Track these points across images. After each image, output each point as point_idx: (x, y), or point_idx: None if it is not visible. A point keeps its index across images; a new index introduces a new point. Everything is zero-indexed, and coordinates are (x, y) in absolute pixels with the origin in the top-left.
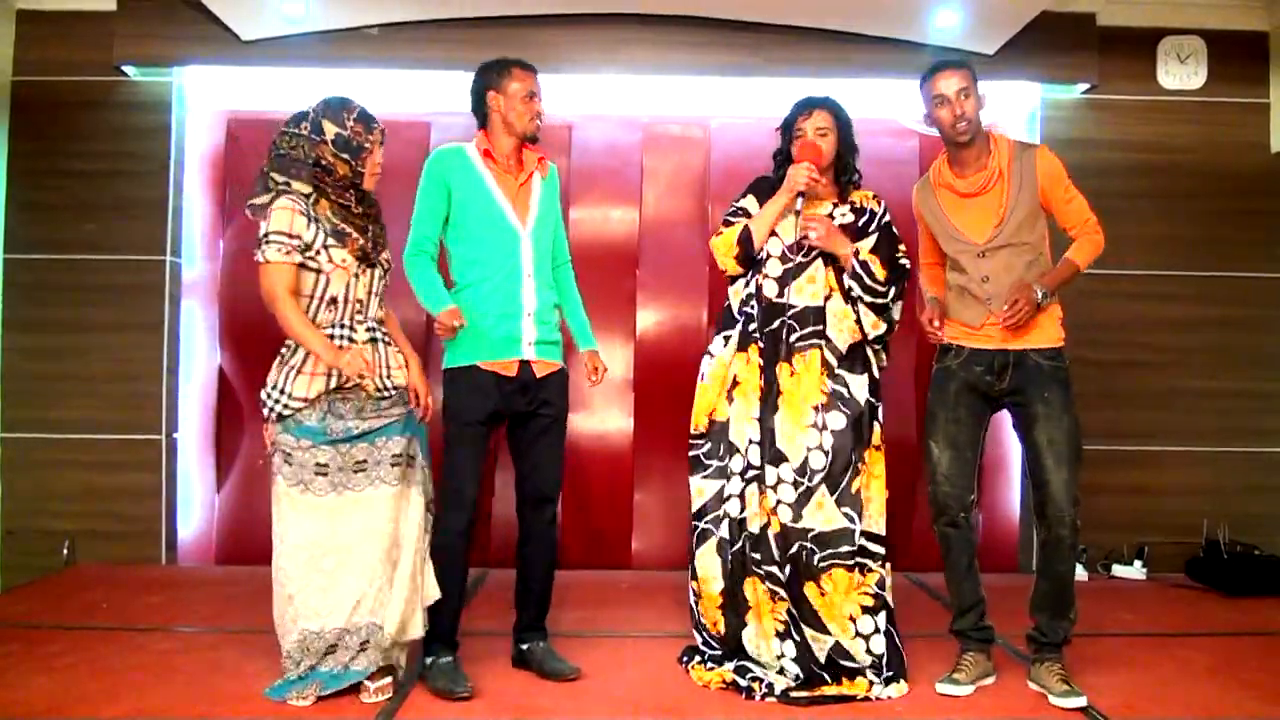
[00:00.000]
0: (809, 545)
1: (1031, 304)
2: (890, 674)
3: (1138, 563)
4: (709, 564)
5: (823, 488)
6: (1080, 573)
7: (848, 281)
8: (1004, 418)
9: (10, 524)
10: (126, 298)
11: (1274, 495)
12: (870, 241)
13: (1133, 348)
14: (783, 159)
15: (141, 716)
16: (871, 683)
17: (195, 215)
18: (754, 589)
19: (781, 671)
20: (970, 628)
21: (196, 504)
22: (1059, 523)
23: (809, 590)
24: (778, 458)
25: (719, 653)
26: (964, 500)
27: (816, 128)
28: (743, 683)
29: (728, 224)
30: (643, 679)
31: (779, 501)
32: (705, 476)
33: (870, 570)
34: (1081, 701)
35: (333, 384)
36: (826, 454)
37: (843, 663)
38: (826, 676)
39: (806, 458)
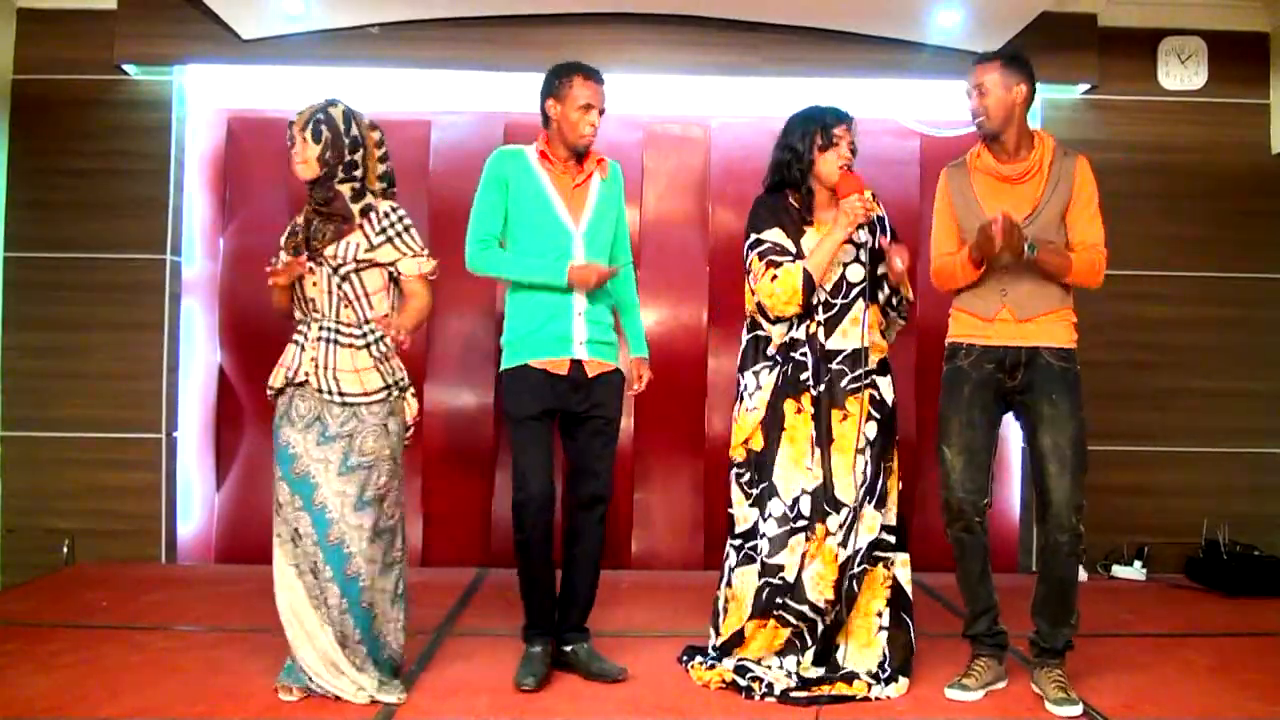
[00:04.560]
0: (857, 570)
1: (1015, 240)
2: (889, 673)
3: (1138, 563)
4: (747, 585)
5: (866, 501)
6: (1080, 573)
7: (884, 298)
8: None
9: (10, 522)
10: (127, 296)
11: (1274, 495)
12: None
13: (1133, 348)
14: (806, 164)
15: (142, 715)
16: (870, 684)
17: (195, 214)
18: (762, 626)
19: (778, 670)
20: (984, 632)
21: (196, 503)
22: (1058, 529)
23: (850, 617)
24: (838, 504)
25: (718, 655)
26: (978, 505)
27: (850, 144)
28: (742, 682)
29: (773, 264)
30: (642, 679)
31: (839, 545)
32: (750, 505)
33: (891, 563)
34: (1076, 710)
35: (285, 376)
36: (865, 470)
37: (837, 672)
38: (825, 680)
39: (856, 483)
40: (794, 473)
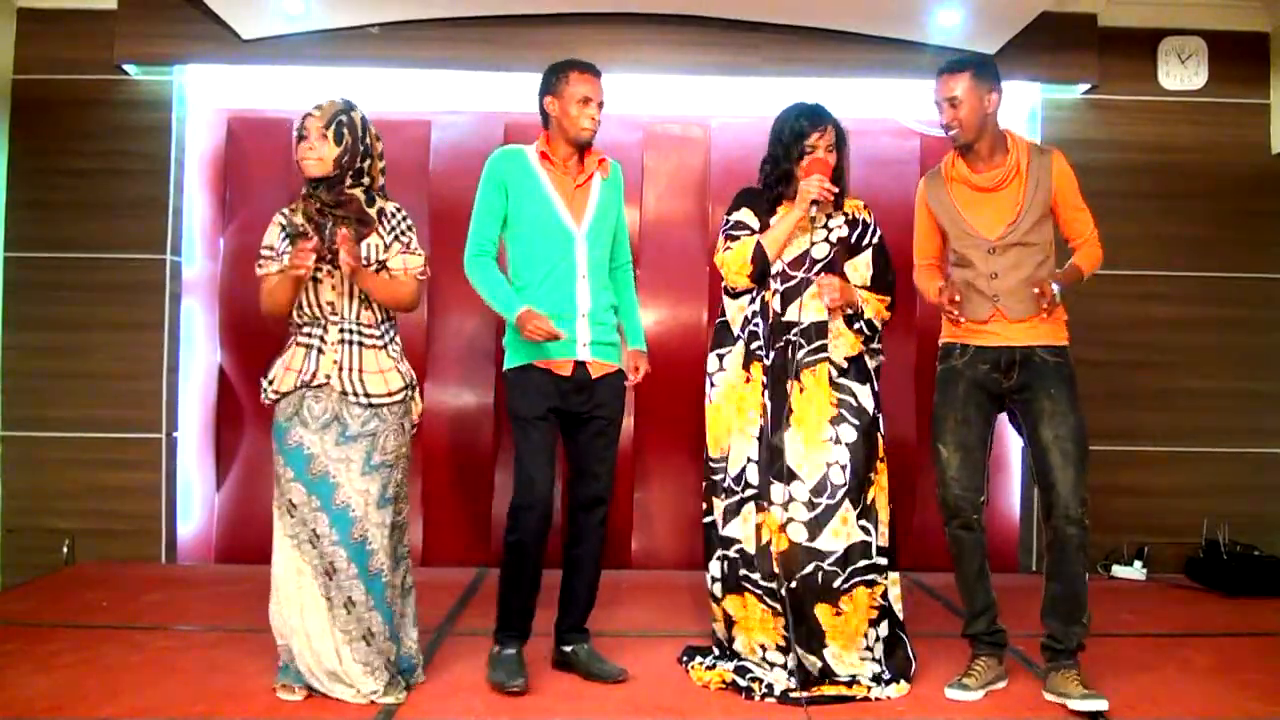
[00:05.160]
0: (829, 567)
1: (1051, 295)
2: (890, 675)
3: (1138, 563)
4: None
5: (846, 503)
6: None
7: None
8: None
9: (11, 522)
10: (127, 296)
11: (1274, 495)
12: (867, 255)
13: (1133, 348)
14: (783, 172)
15: (141, 715)
16: (871, 686)
17: (195, 214)
18: (743, 604)
19: (777, 671)
20: (983, 631)
21: (196, 502)
22: (1066, 522)
23: (820, 611)
24: (788, 475)
25: (718, 654)
26: (975, 502)
27: (828, 146)
28: (742, 683)
29: (731, 238)
30: (642, 679)
31: (790, 519)
32: (713, 493)
33: (878, 583)
34: (1102, 705)
35: (300, 380)
36: (845, 468)
37: (836, 676)
38: (825, 680)
39: (826, 474)
40: (741, 441)
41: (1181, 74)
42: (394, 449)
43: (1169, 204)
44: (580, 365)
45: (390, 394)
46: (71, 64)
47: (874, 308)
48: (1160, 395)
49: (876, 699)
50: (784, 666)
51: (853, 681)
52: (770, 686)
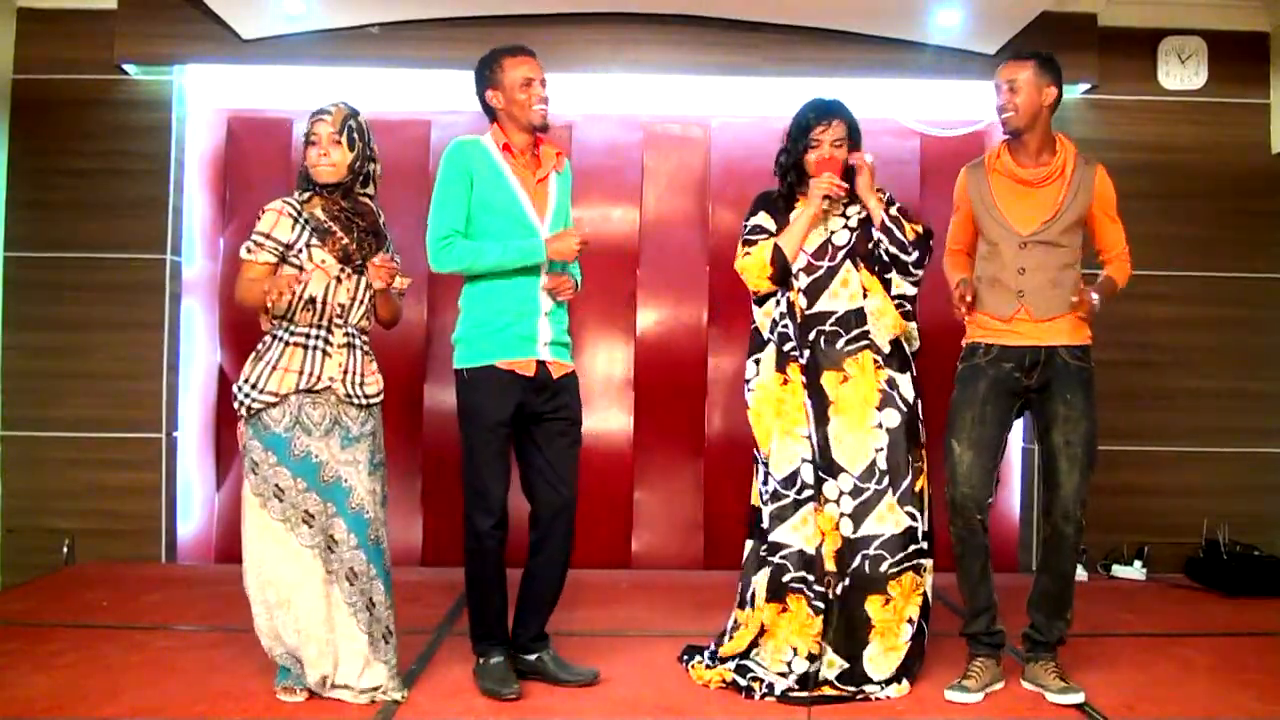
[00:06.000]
0: (874, 553)
1: (1091, 305)
2: (893, 674)
3: (1138, 563)
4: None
5: (889, 489)
6: (1080, 573)
7: (877, 235)
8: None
9: (11, 522)
10: (127, 296)
11: (1274, 495)
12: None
13: (1133, 348)
14: (791, 166)
15: (141, 715)
16: (872, 690)
17: (195, 214)
18: (783, 609)
19: (783, 673)
20: (982, 631)
21: (196, 502)
22: (1064, 521)
23: (871, 605)
24: (834, 470)
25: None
26: (982, 503)
27: (835, 140)
28: (742, 682)
29: (749, 244)
30: (642, 679)
31: (841, 515)
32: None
33: (925, 570)
34: (1079, 698)
35: (303, 383)
36: (889, 453)
37: (868, 679)
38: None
39: (874, 460)
40: (789, 444)
41: (1181, 74)
42: (383, 448)
43: (1169, 204)
44: (542, 365)
45: (379, 393)
46: (71, 64)
47: (908, 229)
48: (1160, 395)
49: (876, 699)
50: (786, 674)
51: (861, 684)
52: (770, 686)
